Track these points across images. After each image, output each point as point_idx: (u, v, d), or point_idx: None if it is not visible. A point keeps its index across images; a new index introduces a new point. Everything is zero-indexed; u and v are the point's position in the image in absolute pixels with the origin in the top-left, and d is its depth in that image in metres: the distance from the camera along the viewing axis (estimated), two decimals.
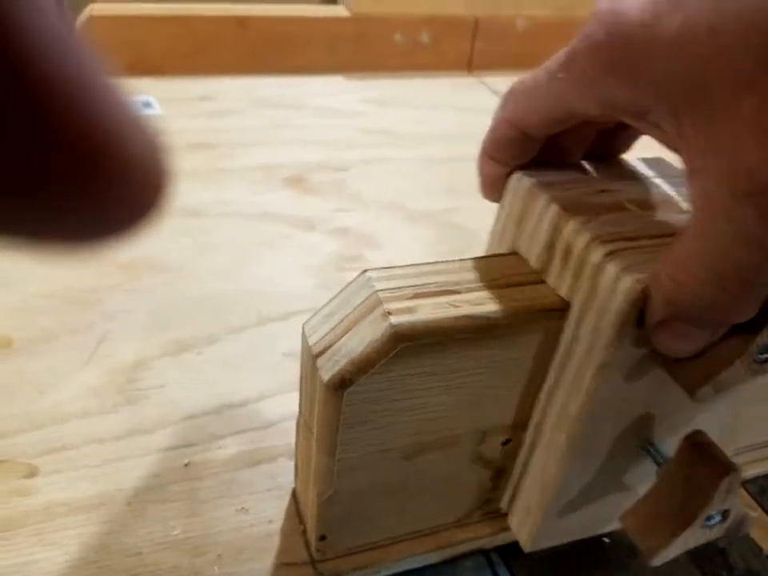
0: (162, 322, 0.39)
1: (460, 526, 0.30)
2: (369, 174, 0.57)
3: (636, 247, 0.22)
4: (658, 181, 0.26)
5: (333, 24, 0.72)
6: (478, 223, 0.52)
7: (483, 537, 0.30)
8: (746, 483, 0.35)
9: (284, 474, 0.32)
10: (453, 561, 0.30)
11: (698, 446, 0.24)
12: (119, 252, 0.42)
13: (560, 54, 0.22)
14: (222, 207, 0.50)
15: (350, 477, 0.25)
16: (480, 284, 0.23)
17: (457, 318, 0.21)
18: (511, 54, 0.80)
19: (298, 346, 0.24)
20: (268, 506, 0.31)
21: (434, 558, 0.30)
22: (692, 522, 0.23)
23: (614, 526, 0.30)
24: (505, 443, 0.27)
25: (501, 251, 0.26)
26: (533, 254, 0.24)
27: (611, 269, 0.21)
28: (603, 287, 0.21)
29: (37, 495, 0.30)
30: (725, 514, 0.24)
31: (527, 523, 0.28)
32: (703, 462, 0.23)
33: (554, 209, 0.23)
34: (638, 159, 0.27)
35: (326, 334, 0.23)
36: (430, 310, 0.22)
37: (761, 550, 0.33)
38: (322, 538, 0.27)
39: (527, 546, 0.29)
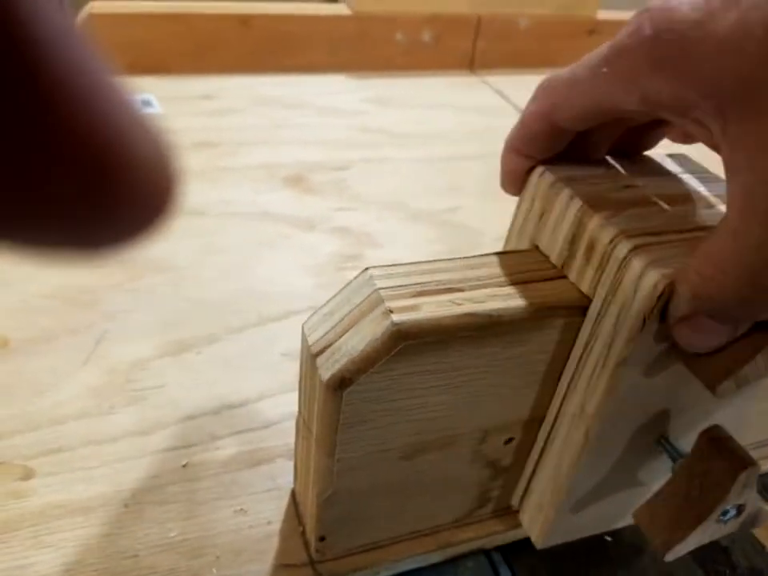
0: (162, 322, 0.39)
1: (460, 525, 0.30)
2: (369, 174, 0.57)
3: (661, 242, 0.21)
4: (683, 177, 0.26)
5: (334, 23, 0.72)
6: (478, 222, 0.52)
7: (483, 536, 0.30)
8: None
9: (283, 475, 0.31)
10: (454, 561, 0.30)
11: (716, 441, 0.24)
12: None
13: (602, 49, 0.22)
14: (224, 207, 0.50)
15: (349, 477, 0.24)
16: (490, 281, 0.23)
17: (459, 316, 0.21)
18: (513, 53, 0.80)
19: (297, 345, 0.24)
20: (267, 506, 0.30)
21: (434, 558, 0.29)
22: (708, 516, 0.23)
23: (627, 521, 0.30)
24: (507, 442, 0.27)
25: (520, 247, 0.26)
26: (554, 250, 0.24)
27: (637, 264, 0.21)
28: (628, 282, 0.21)
29: (33, 497, 0.29)
30: (740, 509, 0.24)
31: (539, 520, 0.28)
32: (721, 456, 0.23)
33: (577, 203, 0.23)
34: (663, 155, 0.27)
35: (326, 333, 0.22)
36: (431, 308, 0.21)
37: (764, 547, 0.32)
38: (322, 538, 0.27)
39: (539, 542, 0.28)
